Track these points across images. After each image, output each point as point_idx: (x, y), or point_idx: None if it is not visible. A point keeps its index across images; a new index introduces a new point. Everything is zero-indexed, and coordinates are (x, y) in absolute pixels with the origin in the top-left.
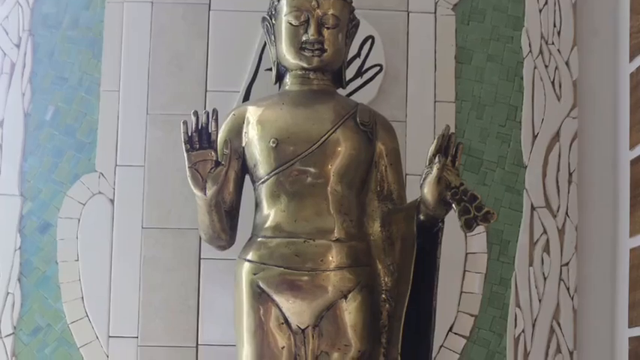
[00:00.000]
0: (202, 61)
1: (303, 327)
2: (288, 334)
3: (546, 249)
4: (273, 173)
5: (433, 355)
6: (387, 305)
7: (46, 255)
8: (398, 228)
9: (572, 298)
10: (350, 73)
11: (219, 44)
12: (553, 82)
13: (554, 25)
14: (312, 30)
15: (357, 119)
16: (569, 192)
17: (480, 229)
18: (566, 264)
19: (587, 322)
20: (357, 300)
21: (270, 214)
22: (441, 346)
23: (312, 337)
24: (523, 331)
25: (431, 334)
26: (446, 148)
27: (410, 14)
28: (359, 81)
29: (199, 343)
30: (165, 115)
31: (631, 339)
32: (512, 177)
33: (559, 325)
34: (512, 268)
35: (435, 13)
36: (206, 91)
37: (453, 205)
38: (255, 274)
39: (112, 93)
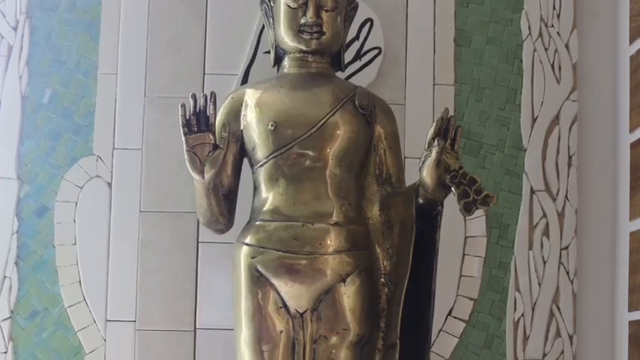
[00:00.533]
0: (200, 44)
1: (301, 311)
2: (287, 318)
3: (546, 232)
4: (271, 156)
5: (432, 339)
6: (386, 289)
7: (44, 238)
8: (397, 211)
9: (572, 282)
10: (349, 55)
11: (218, 26)
12: (553, 65)
13: (554, 8)
14: (310, 12)
15: (356, 102)
16: (568, 175)
17: (480, 212)
18: (566, 247)
19: (587, 306)
20: (356, 284)
21: (269, 197)
22: (440, 330)
23: (311, 321)
24: (522, 315)
25: (430, 318)
26: (445, 131)
27: None
28: (358, 64)
29: (197, 326)
30: (163, 98)
31: (631, 323)
32: (512, 160)
33: (559, 309)
34: (511, 252)
35: None
36: (204, 73)
37: (452, 189)
38: (253, 258)
39: (110, 76)
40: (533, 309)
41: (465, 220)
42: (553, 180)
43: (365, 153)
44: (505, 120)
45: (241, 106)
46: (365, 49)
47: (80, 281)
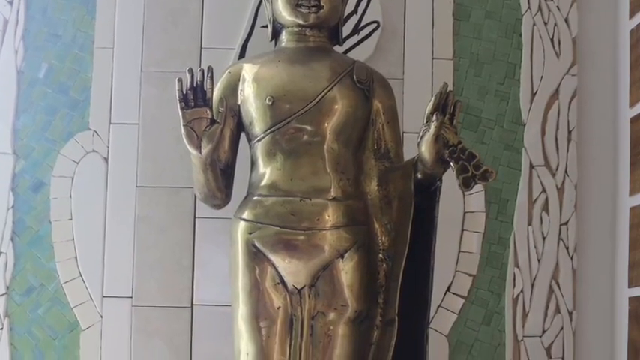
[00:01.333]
0: (197, 18)
1: (299, 287)
2: (284, 294)
3: (545, 208)
4: (269, 131)
5: (431, 315)
6: (384, 265)
7: (40, 214)
8: (395, 187)
9: (572, 258)
10: (347, 30)
11: (215, 0)
12: (552, 39)
13: None
14: None
15: (354, 77)
16: (568, 150)
17: (479, 187)
18: (566, 223)
19: (587, 281)
20: (354, 259)
21: (266, 172)
22: (438, 306)
23: (309, 297)
24: (522, 291)
25: (429, 294)
26: (444, 105)
27: None
28: (356, 38)
29: (194, 303)
30: (159, 73)
31: (631, 299)
32: (511, 135)
33: (558, 284)
34: (510, 228)
35: None
36: (201, 48)
37: (451, 164)
38: (250, 234)
39: (106, 50)
40: (532, 285)
41: (463, 195)
42: (552, 155)
43: (363, 128)
44: (504, 95)
45: (239, 80)
46: (363, 23)
47: (76, 257)
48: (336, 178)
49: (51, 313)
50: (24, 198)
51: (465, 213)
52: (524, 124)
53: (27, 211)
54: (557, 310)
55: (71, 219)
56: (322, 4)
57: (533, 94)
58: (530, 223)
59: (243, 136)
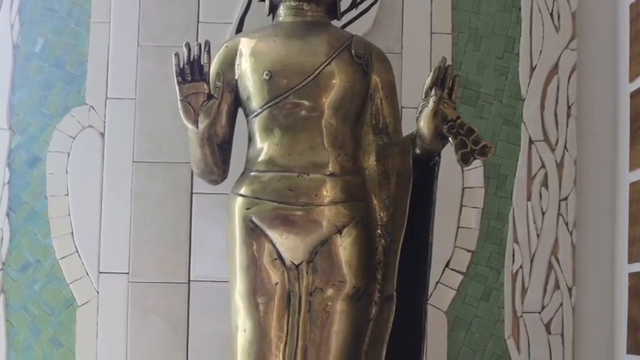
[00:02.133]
0: None
1: (296, 263)
2: (282, 270)
3: (544, 183)
4: (266, 106)
5: (429, 291)
6: (383, 240)
7: (35, 189)
8: (393, 162)
9: (571, 234)
10: (345, 4)
11: None
12: (552, 14)
13: None
14: None
15: (352, 51)
16: (567, 125)
17: (477, 163)
18: (565, 198)
19: (587, 257)
20: (352, 235)
21: (264, 147)
22: (437, 282)
23: (306, 273)
24: (521, 266)
25: (427, 269)
26: (442, 80)
27: None
28: (354, 12)
29: (191, 279)
30: (156, 47)
31: (631, 275)
32: (510, 110)
33: (557, 260)
34: (509, 203)
35: None
36: (198, 22)
37: (450, 139)
38: (248, 209)
39: (103, 24)
40: (531, 261)
41: (462, 170)
42: (552, 130)
43: (361, 103)
44: (503, 69)
45: (236, 55)
46: None
47: (72, 233)
48: (334, 153)
49: (47, 289)
50: (20, 173)
51: (463, 188)
52: (524, 99)
53: (23, 186)
54: (557, 286)
55: (67, 194)
56: None
57: (533, 69)
58: (529, 199)
59: (240, 111)
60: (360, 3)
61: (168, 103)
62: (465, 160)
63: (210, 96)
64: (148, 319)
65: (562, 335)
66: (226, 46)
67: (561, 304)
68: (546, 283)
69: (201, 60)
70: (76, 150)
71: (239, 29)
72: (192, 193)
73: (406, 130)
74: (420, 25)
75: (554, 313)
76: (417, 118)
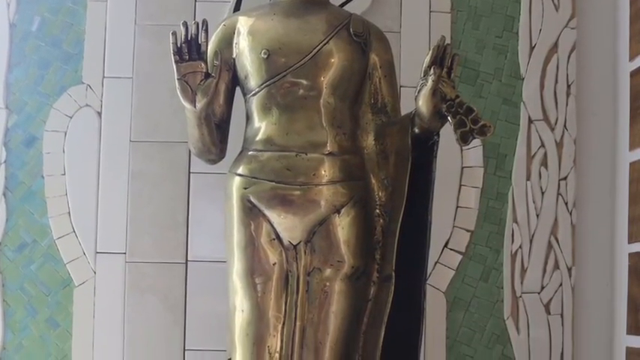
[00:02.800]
0: None
1: (294, 243)
2: (280, 250)
3: (544, 163)
4: (264, 85)
5: (428, 271)
6: (381, 220)
7: (32, 169)
8: (392, 141)
9: (571, 213)
10: None
11: None
12: None
13: None
14: None
15: (351, 30)
16: (567, 104)
17: (477, 142)
18: (565, 178)
19: (586, 237)
20: (351, 215)
21: (262, 127)
22: (436, 262)
23: (305, 253)
24: (520, 246)
25: (426, 250)
26: (441, 59)
27: None
28: None
29: (189, 259)
30: (153, 26)
31: (631, 254)
32: (509, 89)
33: (557, 240)
34: (509, 183)
35: None
36: (195, 1)
37: (449, 118)
38: (245, 189)
39: (100, 3)
40: (531, 241)
41: (461, 150)
42: (551, 109)
43: (360, 82)
44: (502, 48)
45: (233, 33)
46: None
47: (69, 212)
48: (333, 132)
49: (44, 269)
50: (16, 153)
51: (462, 168)
52: (523, 78)
53: (19, 166)
54: (556, 266)
55: (64, 174)
56: None
57: (532, 48)
58: (528, 178)
59: (238, 90)
60: None
61: (165, 82)
62: (464, 139)
63: (207, 75)
64: (145, 299)
65: (562, 315)
66: (224, 25)
67: (561, 284)
68: (546, 263)
69: (199, 39)
70: (72, 129)
71: (237, 8)
72: (189, 172)
73: (405, 109)
74: (419, 3)
75: (553, 293)
76: (416, 97)
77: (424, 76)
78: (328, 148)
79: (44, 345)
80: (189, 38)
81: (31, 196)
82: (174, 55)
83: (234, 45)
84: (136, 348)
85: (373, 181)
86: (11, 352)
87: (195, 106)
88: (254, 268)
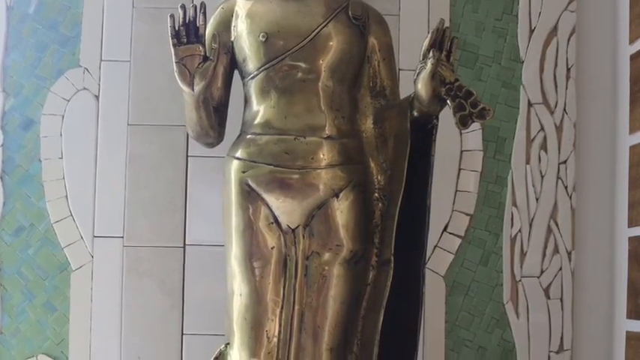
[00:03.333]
0: None
1: (293, 227)
2: (278, 234)
3: (544, 146)
4: (262, 68)
5: (427, 255)
6: (380, 204)
7: (29, 152)
8: (391, 125)
9: (571, 197)
10: None
11: None
12: None
13: None
14: None
15: (349, 13)
16: (567, 88)
17: (476, 126)
18: (564, 162)
19: (586, 221)
20: (349, 199)
21: (260, 110)
22: (435, 246)
23: (303, 237)
24: (520, 230)
25: (425, 233)
26: (440, 42)
27: None
28: None
29: (186, 243)
30: (151, 9)
31: (631, 239)
32: (509, 72)
33: (557, 224)
34: (508, 166)
35: None
36: None
37: (448, 102)
38: (244, 172)
39: None
40: (530, 225)
41: (460, 133)
42: (551, 92)
43: (358, 65)
44: (502, 31)
45: (232, 16)
46: None
47: (67, 196)
48: (331, 115)
49: (41, 253)
50: (13, 136)
51: (462, 151)
52: (523, 61)
53: (16, 149)
54: (556, 250)
55: (61, 157)
56: None
57: (532, 31)
58: (528, 162)
59: (236, 73)
60: None
61: (163, 66)
62: (463, 123)
63: (205, 58)
64: (143, 283)
65: (561, 300)
66: (222, 8)
67: (560, 269)
68: (545, 247)
69: (197, 22)
70: (70, 113)
71: None
72: (187, 156)
73: (404, 92)
74: None
75: (553, 277)
76: (415, 81)
77: (423, 59)
78: (327, 132)
79: (41, 329)
80: (187, 21)
81: (28, 179)
82: (172, 38)
83: (232, 28)
84: (133, 332)
85: (372, 164)
86: (8, 336)
87: (193, 90)
88: (252, 252)
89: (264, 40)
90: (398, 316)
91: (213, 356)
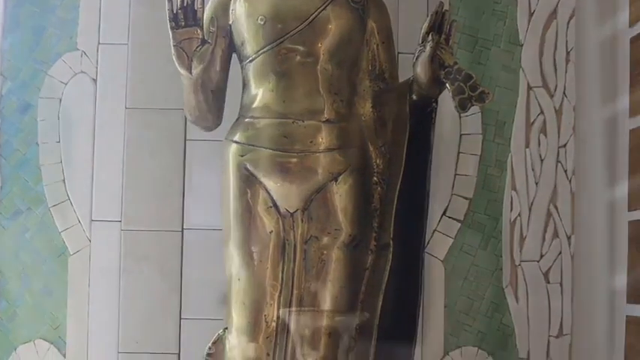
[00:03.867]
0: None
1: (291, 210)
2: (277, 218)
3: (543, 130)
4: (261, 52)
5: (426, 239)
6: (379, 188)
7: (26, 136)
8: (390, 108)
9: (570, 181)
10: None
11: None
12: None
13: None
14: None
15: None
16: (566, 71)
17: (475, 109)
18: (564, 145)
19: (586, 205)
20: (348, 183)
21: (258, 94)
22: (434, 230)
23: (302, 221)
24: (519, 214)
25: (424, 218)
26: (439, 25)
27: None
28: None
29: (184, 227)
30: None
31: (631, 223)
32: (508, 55)
33: (556, 208)
34: (507, 150)
35: None
36: None
37: (447, 85)
38: (242, 156)
39: None
40: (530, 209)
41: (460, 117)
42: (551, 76)
43: (357, 48)
44: (501, 14)
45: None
46: None
47: (64, 180)
48: (330, 99)
49: (38, 237)
50: (10, 120)
51: (461, 135)
52: (522, 45)
53: (14, 133)
54: (556, 235)
55: (59, 141)
56: None
57: (531, 14)
58: (527, 146)
59: (234, 56)
60: None
61: (161, 49)
62: (462, 106)
63: (204, 41)
64: (141, 267)
65: (561, 284)
66: None
67: (560, 253)
68: (545, 231)
69: (195, 5)
70: (67, 96)
71: None
72: (185, 139)
73: (403, 76)
74: None
75: (552, 261)
76: (414, 64)
77: (422, 42)
78: (325, 115)
79: (39, 314)
80: (185, 4)
81: (25, 163)
82: (170, 21)
83: (230, 11)
84: (131, 317)
85: (371, 148)
86: (5, 320)
87: (191, 73)
88: (251, 236)
89: (262, 23)
90: (397, 301)
91: (212, 340)
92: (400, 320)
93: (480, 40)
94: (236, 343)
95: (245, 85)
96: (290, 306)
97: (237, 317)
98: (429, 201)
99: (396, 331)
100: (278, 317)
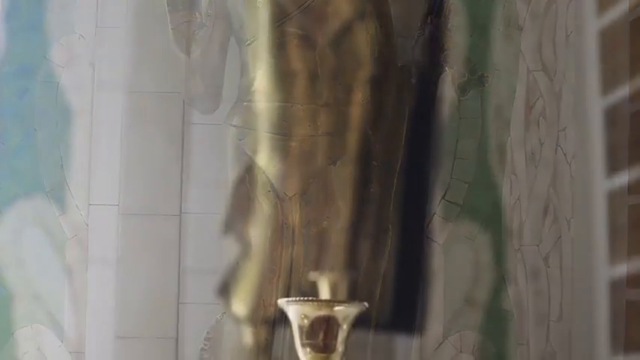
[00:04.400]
0: None
1: (290, 194)
2: (275, 202)
3: (543, 113)
4: (259, 35)
5: (426, 223)
6: (378, 172)
7: (24, 120)
8: (389, 92)
9: (570, 165)
10: None
11: None
12: None
13: None
14: None
15: None
16: (566, 55)
17: (474, 92)
18: (564, 129)
19: (585, 189)
20: (347, 167)
21: (257, 77)
22: (433, 214)
23: (300, 205)
24: (518, 199)
25: (424, 202)
26: (438, 9)
27: None
28: None
29: (183, 211)
30: None
31: (631, 207)
32: (508, 39)
33: (556, 192)
34: (507, 134)
35: None
36: None
37: (446, 68)
38: (240, 140)
39: None
40: (529, 193)
41: (459, 100)
42: (550, 59)
43: (356, 32)
44: None
45: None
46: None
47: (61, 164)
48: (329, 83)
49: (36, 222)
50: (8, 104)
51: (460, 119)
52: (521, 28)
53: (11, 117)
54: (555, 219)
55: (57, 125)
56: None
57: None
58: (527, 129)
59: (233, 40)
60: None
61: (160, 32)
62: (462, 89)
63: (202, 24)
64: (139, 251)
65: (560, 268)
66: None
67: (560, 237)
68: (545, 215)
69: None
70: (65, 80)
71: None
72: (184, 123)
73: (402, 60)
74: None
75: (552, 245)
76: (413, 48)
77: (421, 26)
78: (324, 99)
79: (36, 298)
80: None
81: (22, 148)
82: (168, 4)
83: None
84: (129, 301)
85: (370, 132)
86: (3, 305)
87: (189, 56)
88: (249, 220)
89: (261, 6)
90: (396, 285)
91: (210, 325)
92: (400, 305)
93: (479, 23)
94: (234, 328)
95: (243, 68)
96: (289, 290)
97: (236, 302)
98: (430, 185)
99: (395, 316)
100: (276, 301)
